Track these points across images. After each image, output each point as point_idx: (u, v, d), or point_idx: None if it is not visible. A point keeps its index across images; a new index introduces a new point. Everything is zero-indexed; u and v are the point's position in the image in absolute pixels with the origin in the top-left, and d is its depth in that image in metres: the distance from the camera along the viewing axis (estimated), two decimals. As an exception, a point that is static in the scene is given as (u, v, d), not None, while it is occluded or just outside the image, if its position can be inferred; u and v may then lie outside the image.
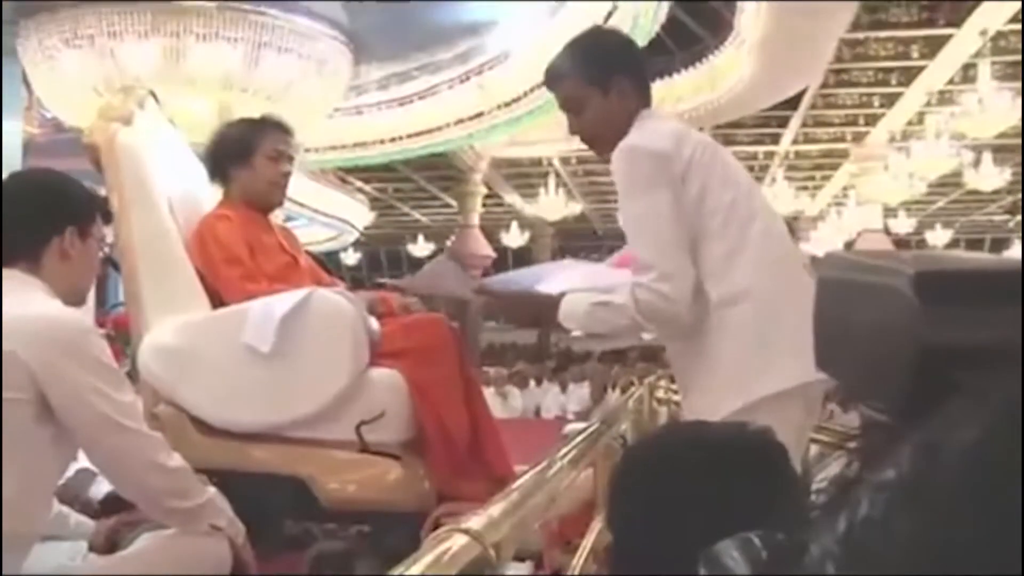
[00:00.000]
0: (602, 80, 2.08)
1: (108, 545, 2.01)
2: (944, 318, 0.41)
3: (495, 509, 0.83)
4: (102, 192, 2.52)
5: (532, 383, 9.97)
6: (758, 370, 1.87)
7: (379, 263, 25.78)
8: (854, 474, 0.31)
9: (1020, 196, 17.52)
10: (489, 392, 8.46)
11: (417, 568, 0.64)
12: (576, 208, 17.69)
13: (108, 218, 2.22)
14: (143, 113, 2.63)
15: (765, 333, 1.89)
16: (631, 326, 1.98)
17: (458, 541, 0.72)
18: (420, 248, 22.66)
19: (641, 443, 1.11)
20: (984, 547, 0.24)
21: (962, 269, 0.46)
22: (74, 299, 1.88)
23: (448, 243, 16.44)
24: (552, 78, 2.19)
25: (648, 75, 2.21)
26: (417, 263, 24.14)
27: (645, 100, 2.14)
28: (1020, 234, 20.76)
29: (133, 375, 2.51)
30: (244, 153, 2.70)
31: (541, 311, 2.09)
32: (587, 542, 1.67)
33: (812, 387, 1.87)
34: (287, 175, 2.78)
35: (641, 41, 7.87)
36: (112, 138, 2.47)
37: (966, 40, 10.11)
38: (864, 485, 0.29)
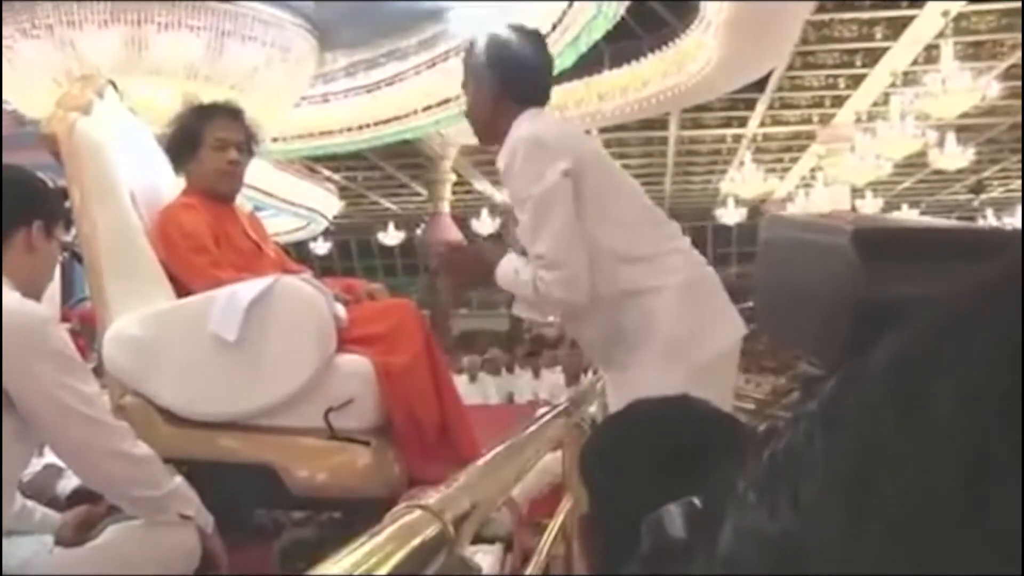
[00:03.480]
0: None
1: (76, 537, 1.99)
2: (882, 274, 0.42)
3: (455, 486, 0.84)
4: (62, 183, 2.50)
5: (504, 370, 9.97)
6: (696, 340, 2.12)
7: (349, 252, 25.67)
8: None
9: (982, 176, 17.77)
10: (462, 379, 8.45)
11: (373, 544, 0.64)
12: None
13: (70, 224, 2.22)
14: (102, 102, 2.60)
15: (693, 310, 2.15)
16: (536, 302, 2.19)
17: (416, 517, 0.72)
18: (390, 236, 22.56)
19: (617, 415, 1.13)
20: (904, 462, 0.25)
21: (899, 227, 0.47)
22: (32, 295, 1.87)
23: (418, 231, 16.41)
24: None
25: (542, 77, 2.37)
26: (387, 252, 24.07)
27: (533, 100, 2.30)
28: (985, 212, 21.05)
29: (100, 369, 2.49)
30: (192, 144, 2.68)
31: (485, 268, 2.27)
32: (555, 522, 1.67)
33: (737, 348, 2.21)
34: (234, 163, 2.71)
35: (606, 26, 7.87)
36: (71, 128, 2.44)
37: (928, 21, 10.20)
38: (789, 420, 0.30)
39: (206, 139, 2.67)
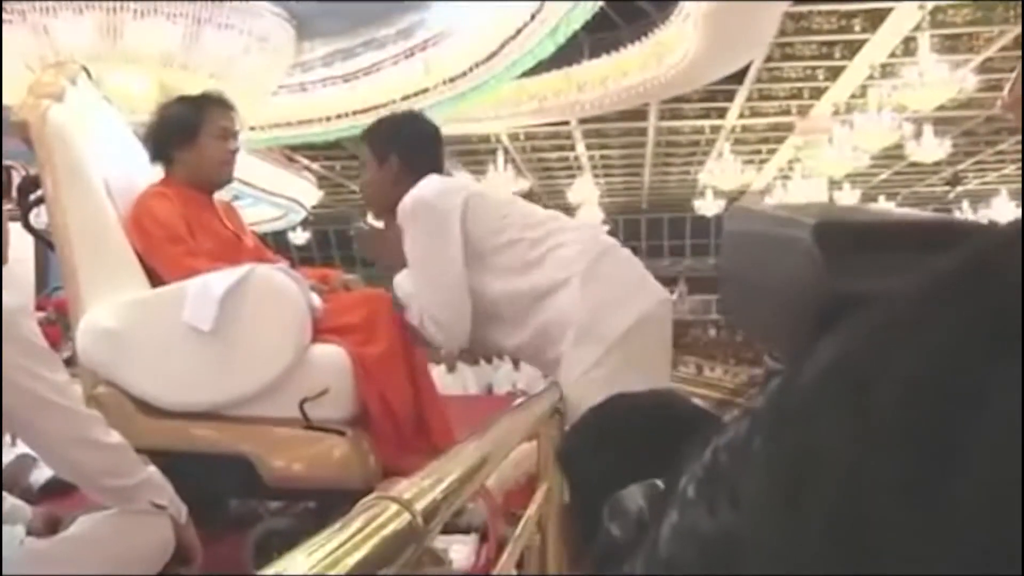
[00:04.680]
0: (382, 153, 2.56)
1: (48, 529, 1.97)
2: (845, 267, 0.42)
3: (425, 477, 0.83)
4: (34, 171, 2.47)
5: (483, 360, 9.96)
6: (608, 315, 2.30)
7: (328, 242, 25.55)
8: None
9: (959, 168, 17.90)
10: (441, 369, 8.43)
11: (340, 537, 0.64)
12: (525, 184, 17.68)
13: (8, 189, 2.15)
14: (75, 89, 2.57)
15: (599, 289, 2.32)
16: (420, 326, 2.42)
17: (385, 508, 0.72)
18: (369, 227, 22.45)
19: (598, 407, 1.14)
20: (845, 462, 0.25)
21: (860, 220, 0.47)
22: None
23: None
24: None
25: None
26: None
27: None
28: (961, 205, 21.24)
29: (74, 359, 2.46)
30: (189, 133, 2.65)
31: (393, 259, 2.49)
32: (530, 513, 1.68)
33: (655, 313, 2.38)
34: (235, 152, 2.74)
35: (585, 16, 7.87)
36: (43, 115, 2.41)
37: (906, 14, 10.26)
38: (734, 416, 0.29)
39: (209, 128, 2.66)
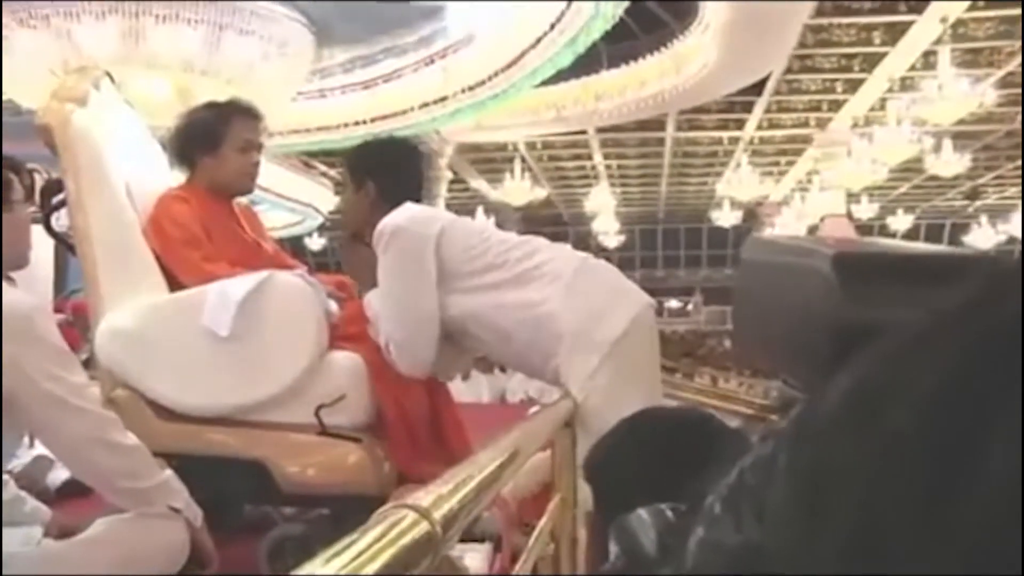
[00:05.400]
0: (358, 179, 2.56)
1: (64, 533, 1.98)
2: (862, 298, 0.42)
3: (443, 485, 0.83)
4: (57, 175, 2.49)
5: (497, 368, 9.96)
6: (595, 325, 2.28)
7: (344, 248, 25.61)
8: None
9: (978, 182, 17.80)
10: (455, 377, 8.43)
11: (359, 545, 0.64)
12: (541, 193, 17.70)
13: (31, 192, 2.17)
14: (98, 94, 2.59)
15: (583, 301, 2.30)
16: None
17: (403, 517, 0.72)
18: (386, 233, 22.48)
19: (625, 422, 1.15)
20: (859, 479, 0.26)
21: (877, 251, 0.48)
22: (12, 264, 1.87)
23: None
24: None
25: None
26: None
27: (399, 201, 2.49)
28: (980, 219, 21.11)
29: (92, 361, 2.48)
30: (212, 141, 2.66)
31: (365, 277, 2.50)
32: (544, 522, 1.68)
33: (643, 318, 2.35)
34: (256, 165, 2.73)
35: (604, 26, 7.87)
36: (66, 119, 2.42)
37: (927, 27, 10.22)
38: (759, 438, 0.30)
39: (232, 139, 2.66)
